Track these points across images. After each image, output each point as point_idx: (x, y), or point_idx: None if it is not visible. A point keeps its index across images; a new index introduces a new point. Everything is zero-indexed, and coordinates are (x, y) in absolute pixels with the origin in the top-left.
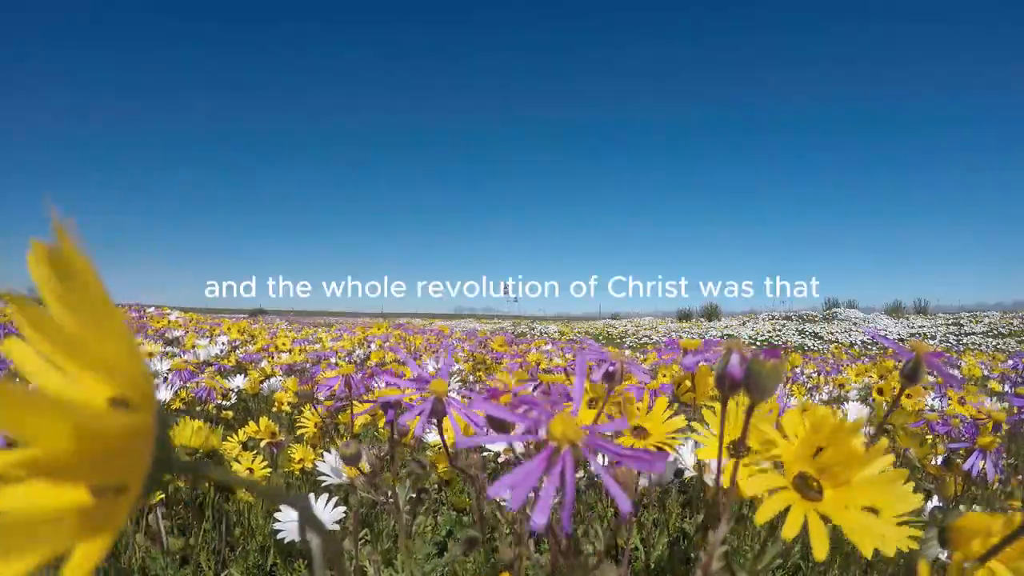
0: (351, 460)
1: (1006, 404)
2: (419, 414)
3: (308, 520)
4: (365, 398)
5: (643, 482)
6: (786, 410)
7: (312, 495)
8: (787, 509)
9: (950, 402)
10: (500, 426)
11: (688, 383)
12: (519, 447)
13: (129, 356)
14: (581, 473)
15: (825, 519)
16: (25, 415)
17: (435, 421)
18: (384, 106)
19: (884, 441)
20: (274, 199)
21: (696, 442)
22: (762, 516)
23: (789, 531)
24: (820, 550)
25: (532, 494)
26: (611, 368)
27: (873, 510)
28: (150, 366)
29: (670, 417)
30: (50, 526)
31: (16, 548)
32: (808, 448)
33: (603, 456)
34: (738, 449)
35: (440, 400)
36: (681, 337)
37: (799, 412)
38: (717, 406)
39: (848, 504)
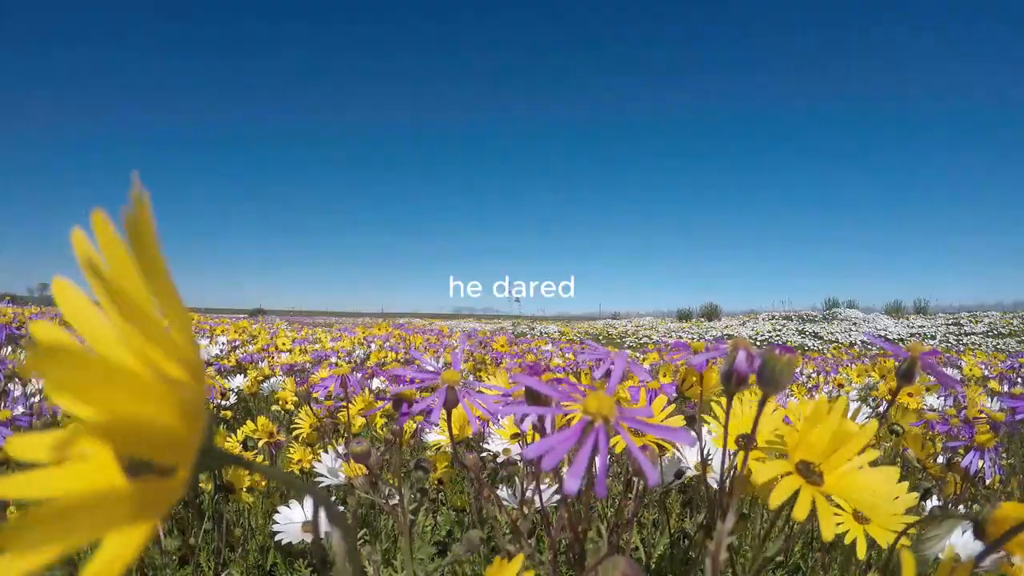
0: (361, 458)
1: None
2: (427, 406)
3: (333, 518)
4: (372, 394)
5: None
6: (779, 408)
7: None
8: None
9: (965, 403)
10: (536, 399)
11: (693, 378)
12: (518, 448)
13: (187, 330)
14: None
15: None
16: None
17: (445, 413)
18: (383, 107)
19: (874, 424)
20: (274, 199)
21: (696, 440)
22: (775, 499)
23: (800, 512)
24: (828, 532)
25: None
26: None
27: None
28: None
29: (669, 416)
30: (87, 512)
31: (46, 540)
32: (807, 437)
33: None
34: (748, 442)
35: (452, 389)
36: (681, 337)
37: (801, 405)
38: (724, 400)
39: (848, 486)
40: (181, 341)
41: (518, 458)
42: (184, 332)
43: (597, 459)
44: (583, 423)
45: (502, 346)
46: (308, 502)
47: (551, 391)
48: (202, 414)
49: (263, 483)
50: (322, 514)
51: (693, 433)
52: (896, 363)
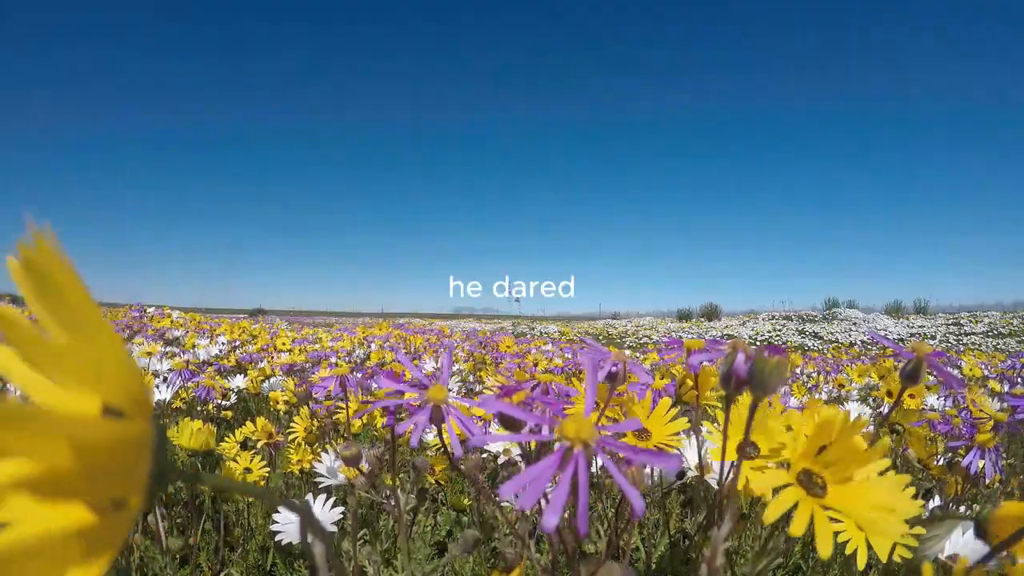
0: (351, 461)
1: (1005, 404)
2: (414, 424)
3: (309, 524)
4: (363, 398)
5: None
6: (788, 410)
7: (311, 495)
8: (793, 507)
9: (965, 403)
10: (511, 425)
11: (690, 382)
12: (520, 449)
13: (119, 362)
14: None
15: (828, 514)
16: (13, 431)
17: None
18: (383, 107)
19: (887, 440)
20: (274, 199)
21: (696, 441)
22: (771, 514)
23: (797, 528)
24: (824, 548)
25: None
26: (614, 368)
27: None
28: (143, 371)
29: (673, 419)
30: (45, 554)
31: None
32: (813, 446)
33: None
34: (744, 449)
35: (438, 408)
36: (681, 337)
37: (808, 411)
38: (722, 405)
39: (851, 499)
40: (113, 365)
41: (519, 459)
42: (115, 355)
43: (579, 491)
44: (561, 451)
45: (508, 347)
46: (310, 501)
47: (524, 415)
48: (147, 439)
49: (261, 483)
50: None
51: (680, 456)
52: (897, 363)
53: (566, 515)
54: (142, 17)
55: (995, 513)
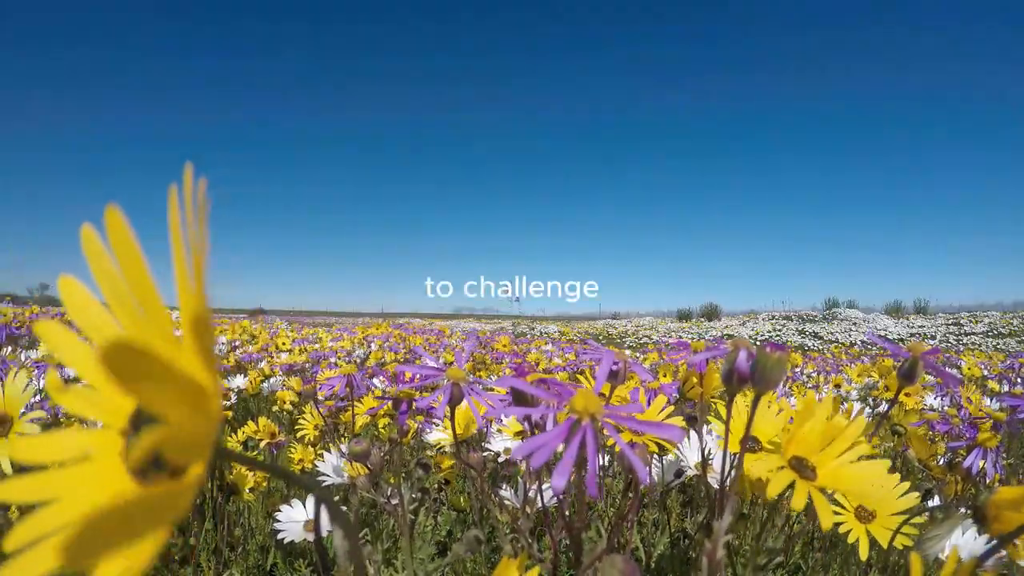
0: (360, 457)
1: (1003, 404)
2: (431, 403)
3: (334, 517)
4: (376, 394)
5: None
6: (783, 410)
7: (311, 494)
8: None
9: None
10: (523, 400)
11: (695, 379)
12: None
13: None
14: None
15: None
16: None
17: (448, 410)
18: (383, 107)
19: (862, 419)
20: (274, 199)
21: (696, 441)
22: (772, 492)
23: (797, 503)
24: (826, 520)
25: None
26: (615, 367)
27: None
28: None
29: (668, 416)
30: (96, 522)
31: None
32: (799, 433)
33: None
34: (744, 442)
35: (458, 386)
36: (681, 337)
37: (801, 404)
38: (725, 401)
39: (838, 479)
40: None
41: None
42: (201, 328)
43: (588, 458)
44: (570, 422)
45: (504, 346)
46: (310, 501)
47: (536, 391)
48: (219, 410)
49: (263, 483)
50: (324, 513)
51: (684, 430)
52: (895, 362)
53: (572, 505)
54: (142, 17)
55: (992, 498)
